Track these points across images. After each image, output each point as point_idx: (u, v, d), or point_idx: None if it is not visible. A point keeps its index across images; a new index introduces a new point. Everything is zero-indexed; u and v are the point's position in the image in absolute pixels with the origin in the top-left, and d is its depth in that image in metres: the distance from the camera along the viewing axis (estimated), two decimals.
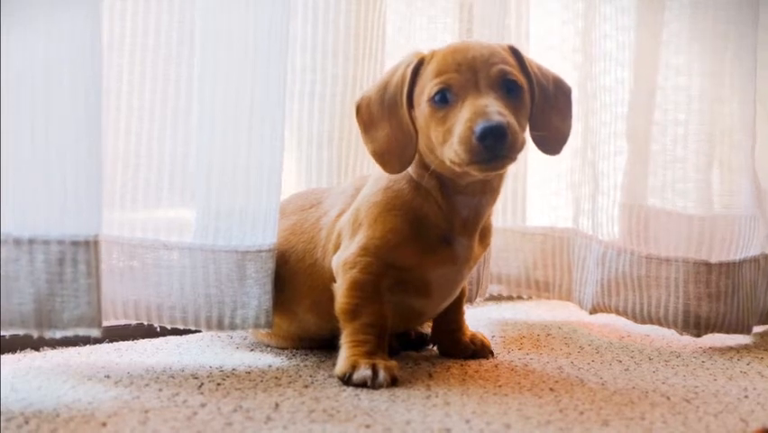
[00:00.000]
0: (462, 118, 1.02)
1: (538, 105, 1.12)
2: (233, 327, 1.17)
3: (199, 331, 1.31)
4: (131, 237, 1.15)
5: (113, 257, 1.15)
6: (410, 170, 1.13)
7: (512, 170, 1.57)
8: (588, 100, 1.52)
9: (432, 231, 1.12)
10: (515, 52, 1.12)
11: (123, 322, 1.25)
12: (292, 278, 1.19)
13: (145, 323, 1.17)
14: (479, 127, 1.00)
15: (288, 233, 1.21)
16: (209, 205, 1.16)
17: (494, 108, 1.02)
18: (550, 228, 1.63)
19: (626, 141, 1.47)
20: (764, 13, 1.52)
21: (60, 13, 0.98)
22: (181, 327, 1.18)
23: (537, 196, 1.67)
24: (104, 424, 0.88)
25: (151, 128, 1.17)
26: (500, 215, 1.61)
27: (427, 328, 1.31)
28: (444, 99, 1.06)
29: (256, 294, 1.16)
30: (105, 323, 1.24)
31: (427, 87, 1.07)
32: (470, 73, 1.05)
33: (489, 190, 1.13)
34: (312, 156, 1.39)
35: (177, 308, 1.15)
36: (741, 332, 1.42)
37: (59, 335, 1.00)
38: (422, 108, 1.08)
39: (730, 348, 1.37)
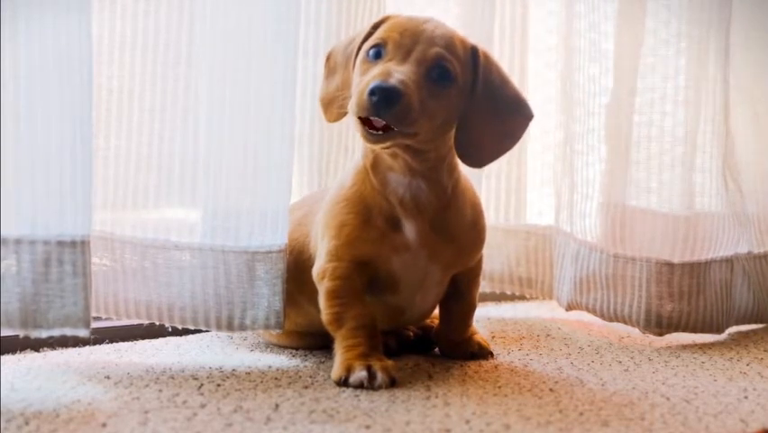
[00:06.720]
0: (370, 74, 1.03)
1: (473, 111, 1.10)
2: (242, 327, 1.17)
3: (202, 331, 1.31)
4: (143, 237, 1.16)
5: (125, 257, 1.15)
6: (360, 154, 1.14)
7: (492, 169, 1.59)
8: (567, 109, 1.52)
9: (377, 214, 1.12)
10: (473, 52, 1.11)
11: (128, 322, 1.25)
12: (295, 269, 1.19)
13: (157, 323, 1.18)
14: (372, 84, 1.00)
15: (295, 224, 1.22)
16: (219, 205, 1.17)
17: (399, 75, 1.02)
18: (533, 226, 1.64)
19: (604, 141, 1.47)
20: (756, 12, 1.54)
21: (52, 17, 0.98)
22: (192, 328, 1.19)
23: (536, 197, 1.67)
24: (104, 424, 0.88)
25: (162, 128, 1.18)
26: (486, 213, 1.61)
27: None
28: (378, 55, 1.07)
29: (266, 295, 1.16)
30: (116, 322, 1.26)
31: (370, 40, 1.09)
32: (409, 41, 1.06)
33: (416, 173, 1.11)
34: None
35: (187, 308, 1.16)
36: (710, 332, 1.44)
37: (44, 334, 1.00)
38: (359, 58, 1.09)
39: (730, 349, 1.38)
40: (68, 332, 1.01)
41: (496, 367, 1.19)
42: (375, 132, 1.02)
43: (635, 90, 1.46)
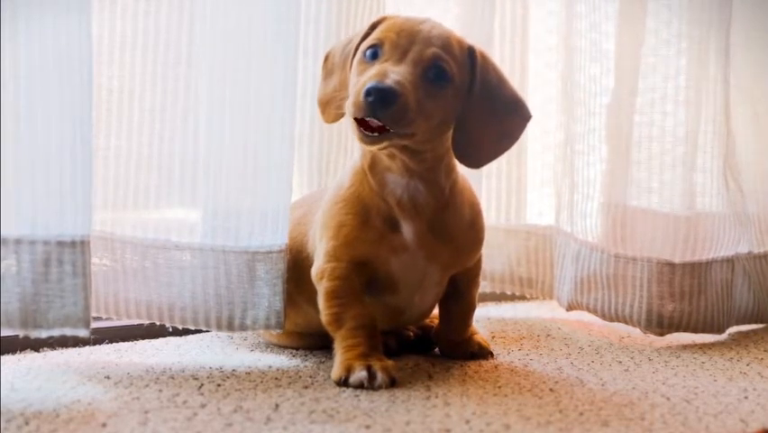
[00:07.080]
0: (367, 75, 1.03)
1: (470, 111, 1.10)
2: (243, 327, 1.17)
3: (202, 331, 1.31)
4: (143, 237, 1.17)
5: (126, 257, 1.16)
6: (359, 154, 1.14)
7: (492, 169, 1.60)
8: (568, 109, 1.52)
9: (375, 215, 1.12)
10: (471, 52, 1.11)
11: (128, 322, 1.25)
12: (294, 269, 1.19)
13: (157, 323, 1.18)
14: (369, 84, 1.00)
15: (294, 223, 1.22)
16: (219, 205, 1.17)
17: (395, 76, 1.02)
18: (533, 226, 1.64)
19: (605, 141, 1.47)
20: (756, 12, 1.54)
21: (52, 17, 0.98)
22: (192, 328, 1.19)
23: (536, 197, 1.67)
24: (104, 424, 0.88)
25: (162, 128, 1.18)
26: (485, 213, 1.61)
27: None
28: (374, 55, 1.07)
29: (266, 295, 1.17)
30: (116, 322, 1.26)
31: (367, 40, 1.09)
32: (406, 41, 1.06)
33: (414, 174, 1.11)
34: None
35: (188, 308, 1.16)
36: (710, 332, 1.44)
37: (44, 334, 1.00)
38: (356, 59, 1.09)
39: (730, 349, 1.37)
40: (68, 332, 1.01)
41: (496, 367, 1.19)
42: (371, 133, 1.02)
43: (635, 90, 1.46)
